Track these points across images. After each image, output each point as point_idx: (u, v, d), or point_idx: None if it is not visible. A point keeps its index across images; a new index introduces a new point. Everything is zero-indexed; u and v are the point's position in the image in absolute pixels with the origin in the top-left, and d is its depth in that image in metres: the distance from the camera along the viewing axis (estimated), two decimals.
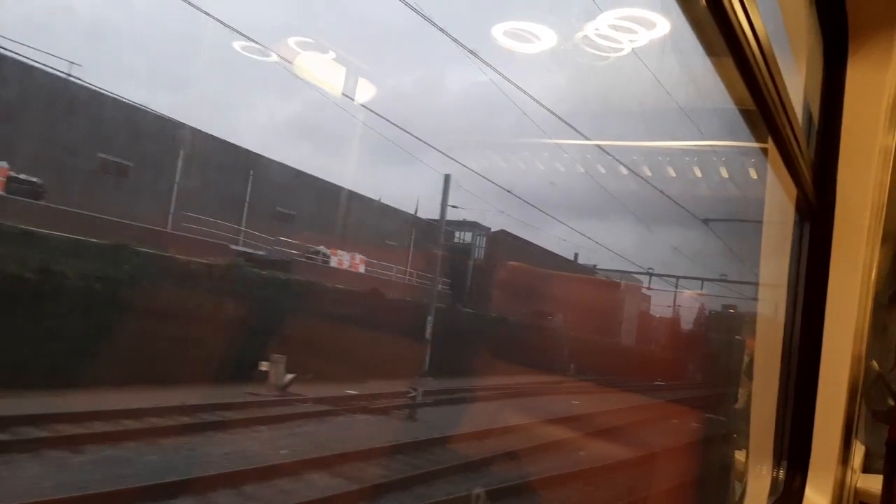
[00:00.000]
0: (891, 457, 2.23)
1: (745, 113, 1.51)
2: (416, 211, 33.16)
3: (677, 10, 1.18)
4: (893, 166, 2.20)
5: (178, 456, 10.31)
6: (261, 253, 22.34)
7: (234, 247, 21.71)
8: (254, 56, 16.07)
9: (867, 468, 2.65)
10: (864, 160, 1.97)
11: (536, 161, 20.40)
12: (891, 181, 2.19)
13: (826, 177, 1.98)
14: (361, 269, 28.24)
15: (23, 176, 17.06)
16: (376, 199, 31.29)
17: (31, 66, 17.36)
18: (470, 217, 33.91)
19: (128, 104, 19.50)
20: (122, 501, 7.91)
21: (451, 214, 30.94)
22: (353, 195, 28.73)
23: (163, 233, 19.67)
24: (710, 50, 1.26)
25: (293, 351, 16.42)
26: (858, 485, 2.47)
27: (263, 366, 16.17)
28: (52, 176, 17.75)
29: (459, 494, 8.96)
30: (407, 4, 13.88)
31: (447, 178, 26.13)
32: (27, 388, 12.11)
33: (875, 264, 2.14)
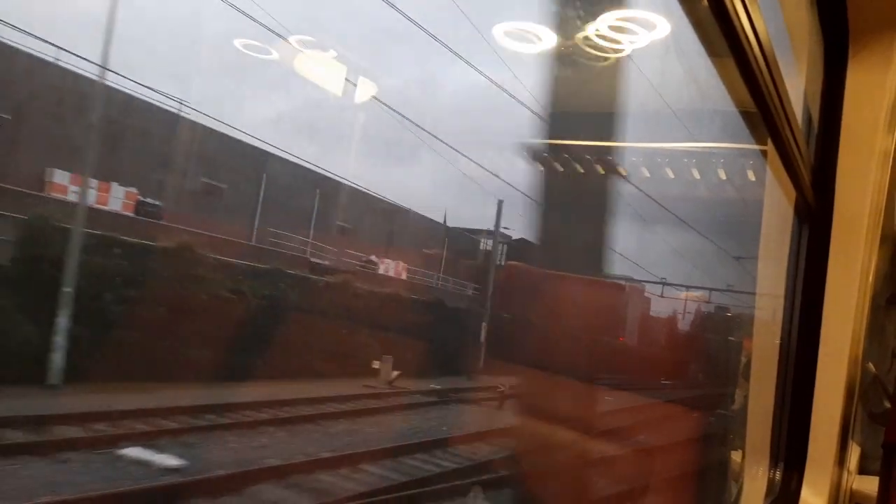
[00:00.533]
0: (887, 458, 2.23)
1: (746, 115, 1.50)
2: (444, 220, 35.14)
3: (679, 12, 1.18)
4: (892, 169, 2.20)
5: (378, 428, 13.70)
6: (325, 263, 24.70)
7: (313, 259, 24.24)
8: (257, 54, 16.19)
9: (863, 469, 2.65)
10: (864, 162, 1.96)
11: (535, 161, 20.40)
12: (889, 183, 2.18)
13: (825, 179, 1.98)
14: (404, 275, 30.31)
15: (148, 199, 19.61)
16: (410, 208, 32.68)
17: (152, 103, 19.96)
18: (478, 224, 36.14)
19: (221, 134, 21.75)
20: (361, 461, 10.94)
21: (474, 223, 35.84)
22: (394, 207, 30.89)
23: (264, 249, 22.59)
24: (711, 51, 1.25)
25: (386, 352, 19.65)
26: (854, 486, 2.47)
27: (375, 364, 19.42)
28: (166, 198, 20.54)
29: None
30: (402, 13, 14.06)
31: (500, 203, 29.49)
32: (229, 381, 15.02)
33: (873, 266, 2.14)
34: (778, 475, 2.12)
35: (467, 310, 28.08)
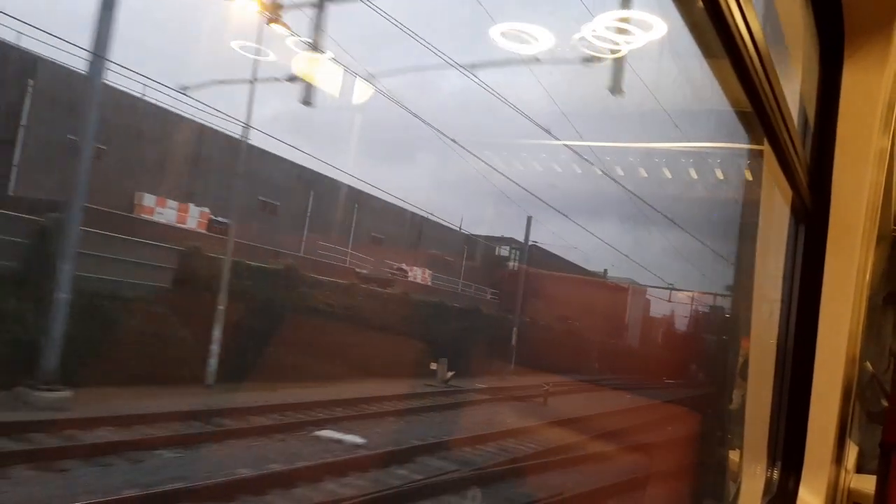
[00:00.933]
0: (884, 457, 2.24)
1: (742, 115, 1.51)
2: (460, 226, 37.40)
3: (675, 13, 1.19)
4: (888, 168, 2.21)
5: (467, 420, 16.42)
6: (364, 272, 27.18)
7: (358, 270, 26.82)
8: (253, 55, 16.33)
9: (860, 468, 2.66)
10: (860, 162, 1.97)
11: (534, 162, 20.53)
12: (885, 183, 2.20)
13: (821, 178, 1.98)
14: (429, 282, 32.54)
15: (219, 218, 21.94)
16: (429, 215, 34.31)
17: (218, 131, 22.48)
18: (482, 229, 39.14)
19: (274, 155, 24.21)
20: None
21: (491, 230, 38.82)
22: (416, 216, 33.30)
23: (324, 263, 25.04)
24: (707, 52, 1.26)
25: (436, 354, 22.17)
26: (852, 485, 2.48)
27: (433, 365, 21.84)
28: (232, 215, 22.13)
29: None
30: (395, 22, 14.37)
31: (529, 218, 32.68)
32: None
33: (869, 266, 2.15)
34: (776, 474, 2.13)
35: (499, 316, 31.26)
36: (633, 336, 42.94)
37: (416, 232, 34.51)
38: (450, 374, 21.80)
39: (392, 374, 19.85)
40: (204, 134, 22.31)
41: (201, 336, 15.84)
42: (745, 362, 2.32)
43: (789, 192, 1.92)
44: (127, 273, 15.68)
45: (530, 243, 38.55)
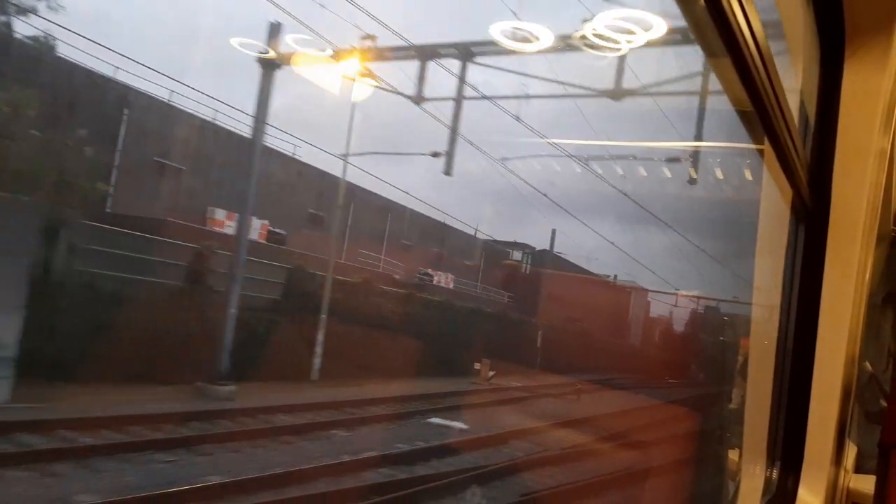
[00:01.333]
0: (883, 457, 2.20)
1: (742, 114, 1.48)
2: (475, 232, 38.60)
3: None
4: (888, 168, 2.17)
5: (527, 413, 17.72)
6: (398, 277, 29.08)
7: (395, 276, 28.70)
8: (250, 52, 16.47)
9: (859, 468, 2.62)
10: (860, 162, 1.94)
11: (534, 162, 20.48)
12: (885, 183, 2.15)
13: (822, 178, 1.96)
14: (451, 285, 33.68)
15: (277, 229, 23.50)
16: (447, 222, 35.70)
17: (277, 149, 24.40)
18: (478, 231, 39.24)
19: (318, 169, 26.16)
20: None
21: (504, 235, 39.73)
22: (442, 224, 34.77)
23: (372, 271, 27.05)
24: (708, 51, 1.24)
25: (475, 356, 24.11)
26: (851, 485, 2.44)
27: (476, 365, 23.73)
28: (286, 226, 24.60)
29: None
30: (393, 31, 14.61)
31: (553, 231, 34.79)
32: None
33: (869, 266, 2.11)
34: (775, 474, 2.10)
35: (525, 320, 32.85)
36: (649, 339, 43.81)
37: (439, 238, 35.94)
38: (491, 373, 23.73)
39: (443, 373, 21.94)
40: (270, 155, 24.50)
41: (309, 340, 18.75)
42: (745, 362, 2.28)
43: (789, 192, 1.89)
44: (251, 287, 18.03)
45: (542, 249, 39.35)
